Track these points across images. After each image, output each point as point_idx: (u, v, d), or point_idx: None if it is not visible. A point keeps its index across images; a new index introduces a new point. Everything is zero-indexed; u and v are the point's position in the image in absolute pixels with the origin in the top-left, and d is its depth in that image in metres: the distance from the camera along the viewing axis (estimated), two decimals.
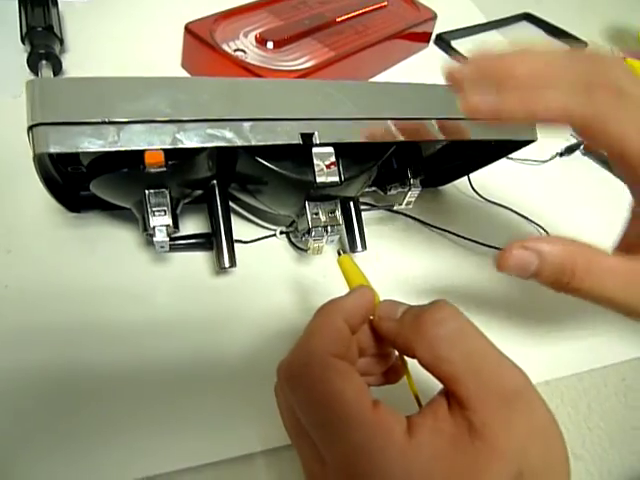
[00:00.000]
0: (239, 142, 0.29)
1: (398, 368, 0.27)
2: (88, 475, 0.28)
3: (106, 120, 0.27)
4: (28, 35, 0.46)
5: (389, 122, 0.33)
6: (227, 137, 0.29)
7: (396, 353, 0.27)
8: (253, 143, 0.29)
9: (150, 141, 0.27)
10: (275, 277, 0.38)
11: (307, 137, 0.31)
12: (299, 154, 0.32)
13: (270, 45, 0.52)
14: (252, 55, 0.51)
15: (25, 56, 0.46)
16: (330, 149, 0.33)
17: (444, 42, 0.71)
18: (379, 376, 0.28)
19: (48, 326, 0.32)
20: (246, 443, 0.30)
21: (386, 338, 0.26)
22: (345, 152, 0.34)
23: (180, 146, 0.28)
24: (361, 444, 0.20)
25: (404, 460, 0.20)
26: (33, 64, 0.45)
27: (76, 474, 0.28)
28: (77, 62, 0.49)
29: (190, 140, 0.28)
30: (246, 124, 0.30)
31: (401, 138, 0.33)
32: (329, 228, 0.35)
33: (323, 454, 0.22)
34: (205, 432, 0.30)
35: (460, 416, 0.21)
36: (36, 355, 0.31)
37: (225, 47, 0.50)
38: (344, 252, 0.31)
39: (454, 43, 0.71)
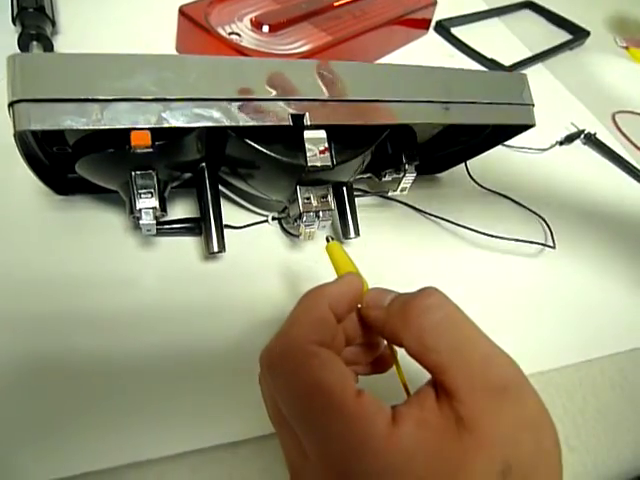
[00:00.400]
0: (227, 122, 0.28)
1: (387, 357, 0.27)
2: (75, 460, 0.27)
3: (89, 97, 0.26)
4: (19, 16, 0.46)
5: (382, 104, 0.32)
6: (214, 117, 0.28)
7: (385, 342, 0.27)
8: (241, 124, 0.29)
9: (135, 120, 0.27)
10: (266, 263, 0.38)
11: (298, 118, 0.30)
12: (290, 137, 0.32)
13: (266, 29, 0.51)
14: (247, 39, 0.50)
15: (16, 37, 0.45)
16: (322, 132, 0.32)
17: (444, 29, 0.70)
18: (367, 365, 0.27)
19: (33, 312, 0.32)
20: (231, 431, 0.30)
21: (374, 327, 0.25)
22: (337, 135, 0.33)
23: (166, 125, 0.27)
24: (342, 434, 0.19)
25: (386, 451, 0.19)
26: (24, 45, 0.45)
27: (62, 460, 0.27)
28: (69, 44, 0.48)
29: (176, 119, 0.28)
30: (234, 104, 0.29)
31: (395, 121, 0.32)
32: (321, 213, 0.35)
33: (304, 445, 0.21)
34: (190, 419, 0.30)
35: (448, 407, 0.20)
36: (21, 343, 0.30)
37: (220, 30, 0.49)
38: (333, 239, 0.30)
39: (454, 30, 0.70)
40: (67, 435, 0.28)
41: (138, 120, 0.27)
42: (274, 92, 0.30)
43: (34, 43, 0.45)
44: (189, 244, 0.37)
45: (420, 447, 0.19)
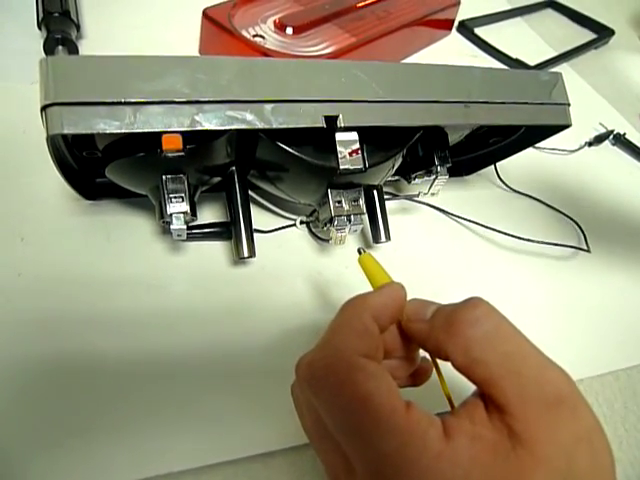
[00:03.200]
0: (260, 125, 0.28)
1: (423, 371, 0.26)
2: (99, 472, 0.27)
3: (122, 100, 0.26)
4: (44, 20, 0.46)
5: (416, 105, 0.32)
6: (247, 119, 0.28)
7: (421, 356, 0.26)
8: (274, 126, 0.28)
9: (168, 123, 0.26)
10: (295, 268, 0.37)
11: (331, 120, 0.30)
12: (322, 139, 0.31)
13: (289, 31, 0.51)
14: (271, 41, 0.49)
15: (41, 42, 0.45)
16: (354, 134, 0.32)
17: (467, 29, 0.69)
18: (403, 379, 0.26)
19: (61, 316, 0.31)
20: (263, 441, 0.29)
21: (415, 340, 0.24)
22: (369, 137, 0.32)
23: (199, 128, 0.27)
24: (395, 451, 0.19)
25: (441, 467, 0.18)
26: (49, 49, 0.44)
27: (86, 470, 0.27)
28: (93, 48, 0.48)
29: (209, 122, 0.27)
30: (267, 106, 0.28)
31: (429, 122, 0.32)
32: (352, 217, 0.34)
33: (352, 461, 0.20)
34: (221, 429, 0.29)
35: (499, 420, 0.19)
36: (49, 345, 0.30)
37: (244, 33, 0.48)
38: (365, 250, 0.29)
39: (477, 30, 0.69)
40: (96, 444, 0.27)
41: (171, 123, 0.26)
42: (307, 94, 0.29)
43: (60, 47, 0.45)
44: (217, 249, 0.37)
45: (475, 462, 0.18)
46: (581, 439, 0.19)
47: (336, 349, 0.21)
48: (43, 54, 0.45)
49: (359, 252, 0.29)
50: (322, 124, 0.29)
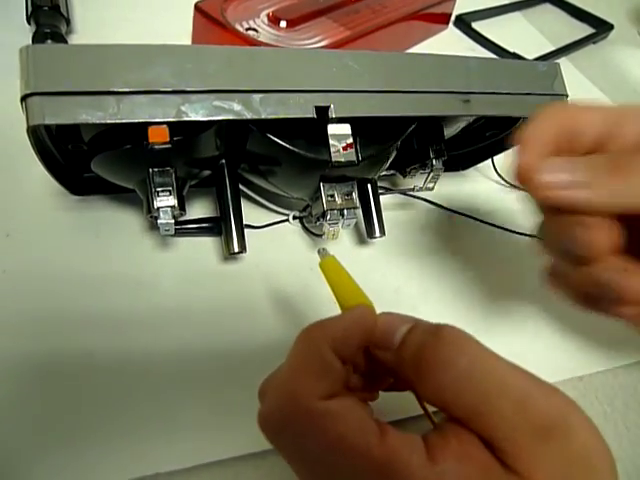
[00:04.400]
0: (248, 115, 0.27)
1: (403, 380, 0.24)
2: (90, 471, 0.26)
3: (105, 90, 0.25)
4: (34, 14, 0.45)
5: (410, 95, 0.31)
6: (235, 110, 0.27)
7: None
8: (263, 116, 0.27)
9: (153, 113, 0.25)
10: (287, 264, 0.36)
11: (322, 111, 0.29)
12: (313, 131, 0.30)
13: (283, 24, 0.50)
14: (265, 34, 0.49)
15: (30, 36, 0.44)
16: (347, 126, 0.31)
17: (464, 23, 0.68)
18: (377, 391, 0.24)
19: (47, 314, 0.31)
20: (255, 441, 0.28)
21: (385, 367, 0.22)
22: (362, 129, 0.31)
23: (185, 119, 0.26)
24: None
25: None
26: (38, 44, 0.44)
27: (77, 471, 0.26)
28: (83, 43, 0.47)
29: (196, 113, 0.26)
30: (256, 96, 0.27)
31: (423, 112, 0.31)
32: (345, 211, 0.33)
33: None
34: (212, 428, 0.28)
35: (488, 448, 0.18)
36: (35, 344, 0.29)
37: (237, 26, 0.48)
38: (325, 251, 0.26)
39: (475, 25, 0.68)
40: (76, 445, 0.27)
41: (156, 113, 0.25)
42: (297, 83, 0.28)
43: (49, 42, 0.44)
44: (207, 244, 0.36)
45: None
46: (576, 460, 0.18)
47: (292, 397, 0.19)
48: None
49: (319, 253, 0.25)
50: (313, 114, 0.28)
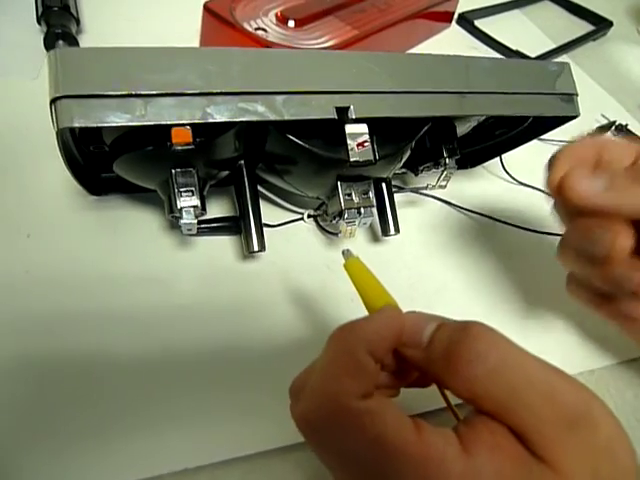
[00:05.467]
0: (271, 116, 0.28)
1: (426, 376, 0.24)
2: (124, 468, 0.27)
3: (133, 92, 0.25)
4: (44, 15, 0.45)
5: (427, 96, 0.31)
6: (259, 111, 0.27)
7: None
8: (286, 118, 0.28)
9: (179, 115, 0.26)
10: (304, 262, 0.37)
11: (342, 111, 0.29)
12: (331, 131, 0.31)
13: (291, 23, 0.50)
14: (273, 34, 0.49)
15: (41, 37, 0.44)
16: (364, 126, 0.31)
17: (467, 22, 0.69)
18: (402, 385, 0.24)
19: (69, 312, 0.31)
20: (281, 436, 0.29)
21: (412, 364, 0.22)
22: (379, 129, 0.32)
23: (210, 120, 0.26)
24: None
25: None
26: (49, 44, 0.44)
27: (91, 469, 0.26)
28: (93, 43, 0.47)
29: (221, 114, 0.27)
30: (279, 97, 0.28)
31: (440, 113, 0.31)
32: (362, 210, 0.34)
33: None
34: (236, 423, 0.29)
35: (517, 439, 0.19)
36: (57, 342, 0.30)
37: (246, 26, 0.48)
38: (350, 252, 0.26)
39: (477, 22, 0.69)
40: (112, 441, 0.27)
41: (183, 115, 0.26)
42: (318, 85, 0.29)
43: (60, 42, 0.44)
44: (225, 243, 0.36)
45: (500, 475, 0.18)
46: (602, 450, 0.19)
47: (332, 397, 0.20)
48: (43, 49, 0.44)
49: (344, 254, 0.26)
50: (333, 115, 0.29)
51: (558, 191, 0.27)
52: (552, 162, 0.28)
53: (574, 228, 0.28)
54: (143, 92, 0.25)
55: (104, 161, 0.32)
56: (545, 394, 0.19)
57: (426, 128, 0.34)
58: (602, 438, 0.19)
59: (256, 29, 0.48)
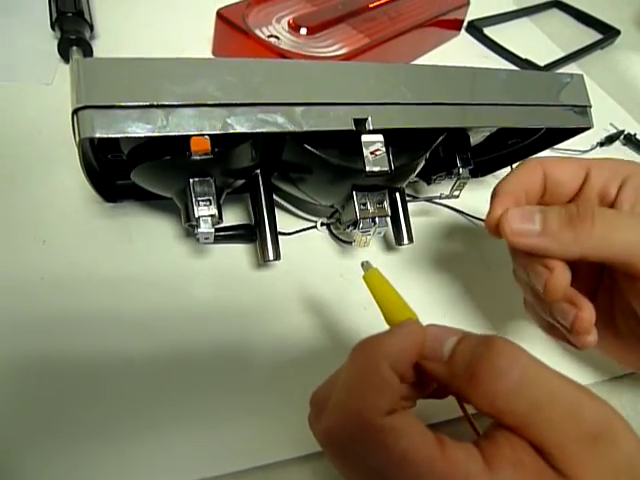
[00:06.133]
0: (290, 127, 0.28)
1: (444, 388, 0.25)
2: (107, 473, 0.27)
3: (154, 103, 0.25)
4: (58, 21, 0.45)
5: (443, 107, 0.31)
6: (279, 122, 0.27)
7: None
8: (305, 129, 0.28)
9: (200, 126, 0.26)
10: (318, 270, 0.37)
11: (359, 123, 0.29)
12: (348, 141, 0.31)
13: (304, 31, 0.51)
14: (285, 41, 0.49)
15: (55, 43, 0.45)
16: (380, 136, 0.31)
17: (476, 29, 0.69)
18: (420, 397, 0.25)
19: (84, 319, 0.31)
20: (293, 444, 0.29)
21: (433, 379, 0.22)
22: (394, 140, 0.32)
23: (231, 131, 0.26)
24: None
25: None
26: (64, 50, 0.44)
27: (95, 472, 0.26)
28: (107, 48, 0.48)
29: (241, 125, 0.27)
30: (298, 109, 0.28)
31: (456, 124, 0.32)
32: (377, 219, 0.34)
33: None
34: (249, 432, 0.29)
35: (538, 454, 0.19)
36: (72, 347, 0.30)
37: (258, 33, 0.48)
38: (369, 264, 0.26)
39: (486, 30, 0.69)
40: (108, 447, 0.27)
41: (204, 126, 0.26)
42: (337, 96, 0.29)
43: (74, 48, 0.44)
44: (239, 251, 0.36)
45: None
46: (623, 467, 0.19)
47: (357, 413, 0.20)
48: (57, 55, 0.44)
49: (363, 266, 0.26)
50: (351, 126, 0.29)
51: (495, 230, 0.27)
52: (492, 198, 0.29)
53: (517, 261, 0.29)
54: (164, 103, 0.25)
55: (121, 169, 0.32)
56: (567, 409, 0.19)
57: (441, 138, 0.35)
58: (623, 454, 0.19)
59: (269, 36, 0.49)
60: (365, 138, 0.31)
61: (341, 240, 0.39)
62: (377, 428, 0.19)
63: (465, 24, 0.69)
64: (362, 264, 0.26)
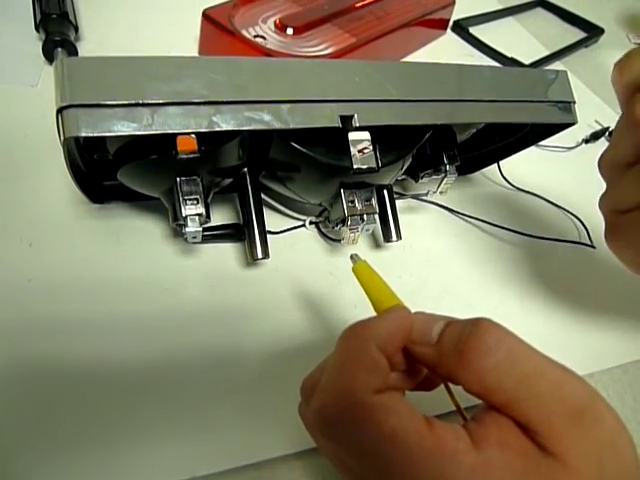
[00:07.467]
0: (277, 125, 0.28)
1: (432, 378, 0.25)
2: (106, 474, 0.26)
3: (140, 102, 0.25)
4: (42, 22, 0.45)
5: (430, 104, 0.32)
6: (265, 120, 0.28)
7: None
8: (292, 126, 0.28)
9: (186, 124, 0.26)
10: (306, 268, 0.37)
11: (346, 120, 0.30)
12: (334, 139, 0.31)
13: (290, 31, 0.51)
14: (272, 41, 0.49)
15: (40, 45, 0.44)
16: (366, 134, 0.32)
17: (462, 29, 0.69)
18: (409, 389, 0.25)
19: (72, 321, 0.31)
20: (284, 442, 0.29)
21: (422, 363, 0.23)
22: (381, 137, 0.32)
23: (217, 129, 0.26)
24: (431, 477, 0.18)
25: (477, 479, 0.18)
26: (48, 52, 0.44)
27: (93, 474, 0.26)
28: (92, 50, 0.47)
29: (227, 123, 0.27)
30: (284, 106, 0.28)
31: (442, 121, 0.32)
32: (365, 217, 0.34)
33: None
34: (241, 431, 0.29)
35: (524, 433, 0.20)
36: (61, 349, 0.29)
37: (244, 33, 0.48)
38: (357, 257, 0.27)
39: (472, 30, 0.70)
40: (96, 451, 0.27)
41: (189, 124, 0.26)
42: (323, 93, 0.29)
43: (59, 49, 0.44)
44: (228, 251, 0.36)
45: (509, 470, 0.18)
46: (607, 444, 0.20)
47: (347, 392, 0.20)
48: (42, 56, 0.44)
49: (352, 259, 0.26)
50: (338, 124, 0.29)
51: None
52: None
53: None
54: (150, 101, 0.25)
55: (107, 169, 0.32)
56: (553, 385, 0.20)
57: (428, 135, 0.35)
58: (607, 432, 0.20)
59: (255, 36, 0.49)
60: (352, 136, 0.31)
61: (330, 238, 0.39)
62: (367, 405, 0.20)
63: (451, 23, 0.69)
64: (351, 256, 0.27)
